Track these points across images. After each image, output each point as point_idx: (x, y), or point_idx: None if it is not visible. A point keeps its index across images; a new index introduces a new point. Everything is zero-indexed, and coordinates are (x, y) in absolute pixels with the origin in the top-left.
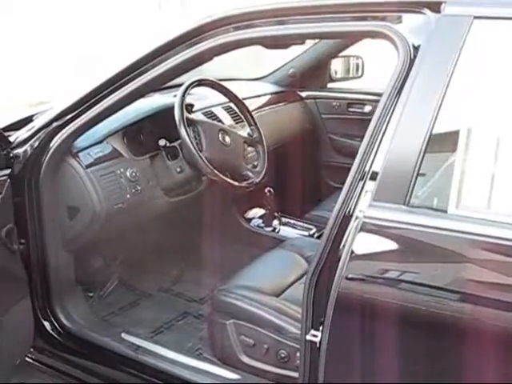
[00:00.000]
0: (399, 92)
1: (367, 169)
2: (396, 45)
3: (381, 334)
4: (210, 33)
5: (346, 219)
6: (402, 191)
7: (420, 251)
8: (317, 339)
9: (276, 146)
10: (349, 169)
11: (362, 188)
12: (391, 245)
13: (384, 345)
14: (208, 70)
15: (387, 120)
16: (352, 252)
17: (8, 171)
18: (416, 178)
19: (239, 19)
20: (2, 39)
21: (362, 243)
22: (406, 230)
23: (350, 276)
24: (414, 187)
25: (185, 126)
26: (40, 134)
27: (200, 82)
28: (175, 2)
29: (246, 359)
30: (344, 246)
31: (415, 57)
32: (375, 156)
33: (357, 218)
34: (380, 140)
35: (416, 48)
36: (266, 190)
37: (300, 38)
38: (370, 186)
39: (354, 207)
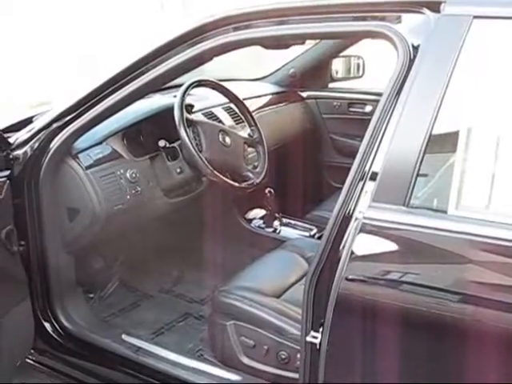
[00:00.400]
0: (399, 92)
1: (367, 169)
2: (395, 45)
3: (381, 336)
4: (210, 33)
5: (345, 220)
6: (402, 192)
7: (420, 252)
8: (317, 340)
9: (277, 146)
10: (350, 169)
11: (362, 188)
12: (391, 246)
13: (384, 346)
14: (208, 71)
15: (387, 120)
16: (352, 253)
17: (7, 173)
18: (416, 179)
19: (239, 19)
20: (2, 39)
21: (362, 244)
22: (405, 231)
23: (349, 277)
24: (413, 188)
25: (184, 127)
26: (40, 135)
27: (200, 83)
28: (178, 1)
29: (246, 360)
30: (344, 246)
31: (415, 57)
32: (375, 156)
33: (356, 218)
34: (380, 140)
35: (415, 48)
36: (267, 191)
37: (300, 39)
38: (370, 186)
39: (354, 208)
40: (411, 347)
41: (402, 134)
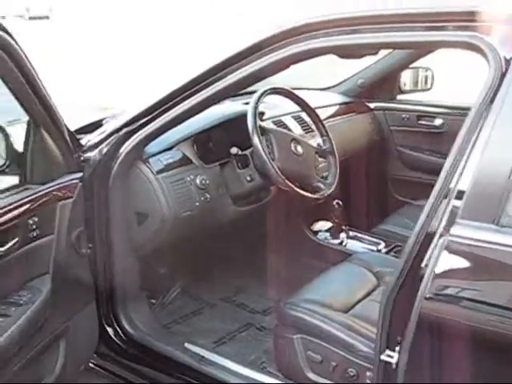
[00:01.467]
0: (489, 107)
1: (452, 186)
2: (487, 57)
3: (464, 359)
4: (286, 41)
5: (428, 237)
6: (492, 210)
7: (510, 274)
8: (393, 360)
9: (344, 157)
10: (416, 183)
11: (447, 206)
12: (478, 266)
13: (466, 370)
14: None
15: (476, 136)
16: (435, 272)
17: (80, 175)
18: (507, 197)
19: (313, 28)
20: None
21: (446, 263)
22: (495, 251)
23: (432, 296)
24: (505, 206)
25: (258, 135)
26: (111, 138)
27: (274, 90)
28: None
29: (312, 376)
30: (426, 265)
31: (507, 70)
32: (462, 173)
33: (441, 236)
34: (467, 156)
35: (508, 61)
36: (335, 203)
37: (380, 47)
38: (456, 203)
39: (438, 225)
40: (495, 372)
41: (493, 150)
